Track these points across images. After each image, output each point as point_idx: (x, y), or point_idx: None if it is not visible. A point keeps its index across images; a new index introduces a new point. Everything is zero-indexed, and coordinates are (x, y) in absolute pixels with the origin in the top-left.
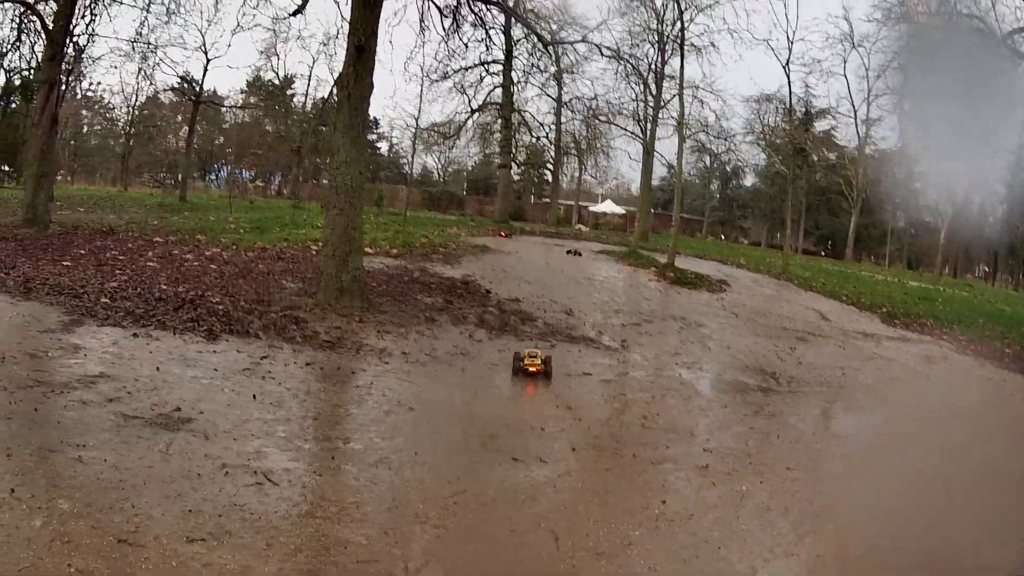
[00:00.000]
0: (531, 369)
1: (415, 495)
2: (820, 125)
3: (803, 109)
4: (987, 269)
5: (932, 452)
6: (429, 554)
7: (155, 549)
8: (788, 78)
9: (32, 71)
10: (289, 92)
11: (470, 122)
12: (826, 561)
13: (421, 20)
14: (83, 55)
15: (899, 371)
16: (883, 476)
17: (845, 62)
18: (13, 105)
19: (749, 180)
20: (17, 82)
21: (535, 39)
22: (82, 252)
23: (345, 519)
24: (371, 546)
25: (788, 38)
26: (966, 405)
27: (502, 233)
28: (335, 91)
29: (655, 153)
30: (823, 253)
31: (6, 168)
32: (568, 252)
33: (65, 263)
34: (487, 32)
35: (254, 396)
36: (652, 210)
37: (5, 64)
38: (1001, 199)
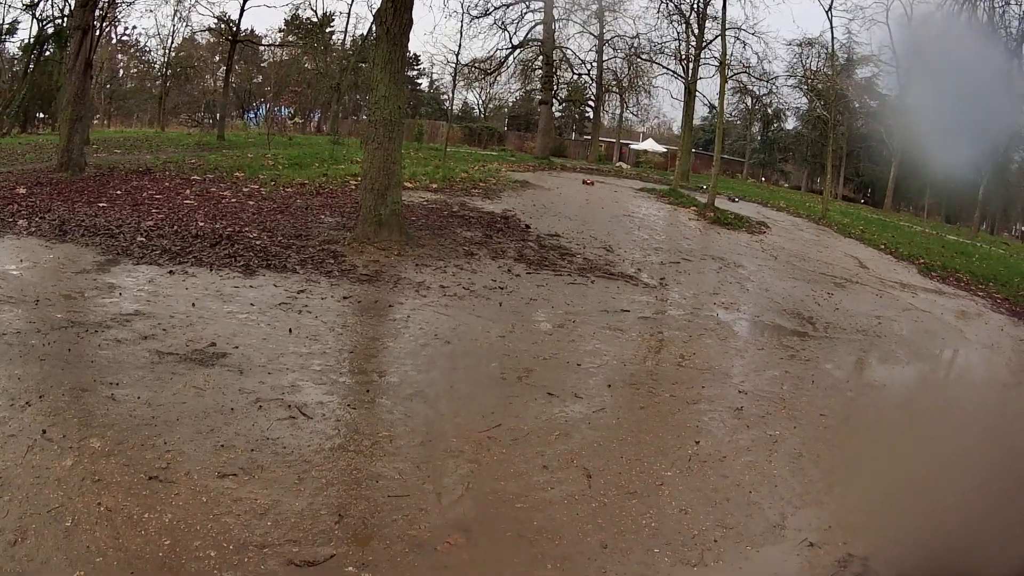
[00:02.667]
0: None
1: (449, 429)
2: (862, 72)
3: (845, 55)
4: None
5: (964, 409)
6: (461, 489)
7: (185, 485)
8: (831, 23)
9: (65, 18)
10: (328, 30)
11: (511, 59)
12: (855, 512)
13: None
14: (117, 0)
15: (934, 324)
16: (915, 429)
17: (888, 10)
18: (47, 53)
19: (790, 123)
20: (50, 30)
21: None
22: (118, 193)
23: (378, 453)
24: (403, 480)
25: None
26: (1000, 364)
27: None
28: (374, 26)
29: (697, 93)
30: (863, 201)
31: (42, 115)
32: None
33: (101, 204)
34: None
35: (290, 330)
36: (693, 150)
37: (37, 13)
38: None
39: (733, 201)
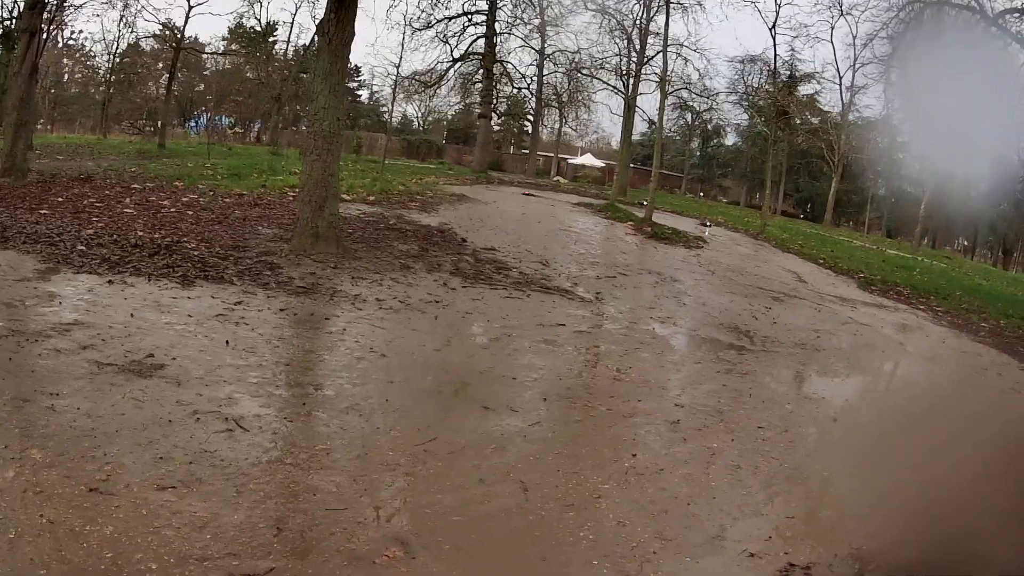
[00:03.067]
0: None
1: (385, 442)
2: (804, 89)
3: (788, 72)
4: (966, 243)
5: (904, 421)
6: (398, 502)
7: (126, 497)
8: (774, 41)
9: (13, 20)
10: (271, 39)
11: (451, 72)
12: (795, 523)
13: None
14: (65, 3)
15: (874, 337)
16: (854, 441)
17: (832, 28)
18: None
19: (730, 139)
20: None
21: None
22: (60, 200)
23: (315, 466)
24: (340, 493)
25: (776, 1)
26: (940, 376)
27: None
28: (316, 38)
29: (636, 108)
30: (802, 216)
31: None
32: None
33: (43, 211)
34: None
35: (227, 342)
36: (631, 165)
37: None
38: (983, 175)
39: (706, 226)
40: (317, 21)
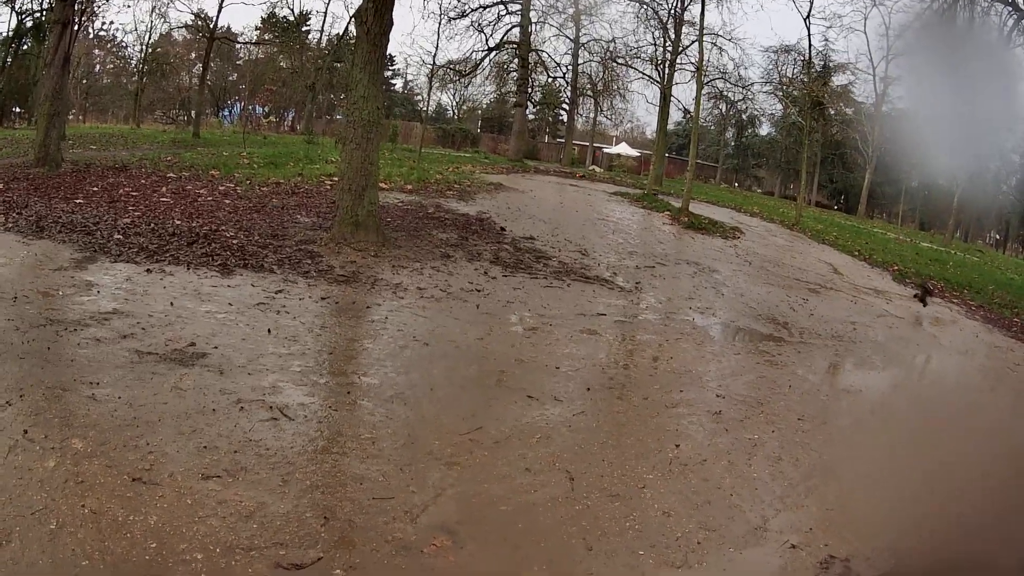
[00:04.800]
0: None
1: (430, 432)
2: (838, 79)
3: (822, 62)
4: (998, 237)
5: (938, 414)
6: (445, 491)
7: (170, 487)
8: (808, 30)
9: (44, 12)
10: (304, 28)
11: (487, 60)
12: (835, 515)
13: None
14: None
15: (909, 330)
16: (891, 433)
17: (866, 19)
18: (25, 47)
19: (765, 129)
20: (29, 24)
21: None
22: (95, 189)
23: (361, 455)
24: (387, 482)
25: None
26: (974, 370)
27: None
28: (353, 26)
29: (672, 98)
30: (836, 207)
31: (18, 109)
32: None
33: (78, 201)
34: None
35: (269, 330)
36: (667, 155)
37: (16, 6)
38: (1016, 168)
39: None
40: (351, 11)
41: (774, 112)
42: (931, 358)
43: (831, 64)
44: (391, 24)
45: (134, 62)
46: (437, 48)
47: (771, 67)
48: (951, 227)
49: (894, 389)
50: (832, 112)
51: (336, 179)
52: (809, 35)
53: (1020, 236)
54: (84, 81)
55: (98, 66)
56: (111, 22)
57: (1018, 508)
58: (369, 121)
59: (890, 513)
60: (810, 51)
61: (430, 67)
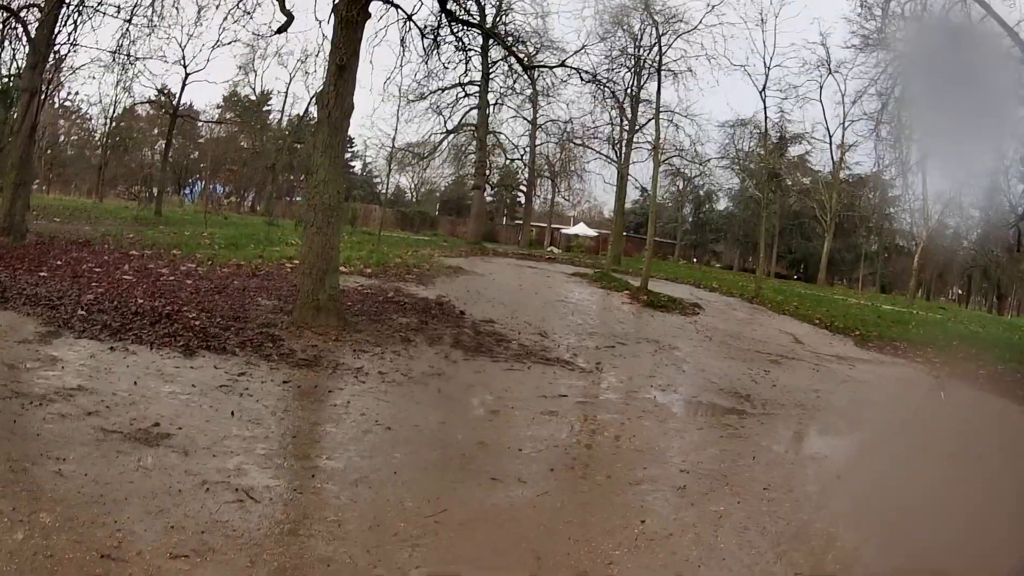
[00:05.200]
0: None
1: (396, 514)
2: (795, 150)
3: (778, 134)
4: (960, 292)
5: (907, 473)
6: (412, 573)
7: (138, 565)
8: (764, 103)
9: (11, 78)
10: (265, 108)
11: (445, 143)
12: None
13: (402, 40)
14: (64, 64)
15: (873, 393)
16: (859, 497)
17: (821, 88)
18: None
19: (722, 204)
20: None
21: (513, 61)
22: (59, 263)
23: (327, 537)
24: (354, 564)
25: (765, 64)
26: (941, 426)
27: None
28: (316, 110)
29: (629, 176)
30: (796, 277)
31: None
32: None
33: (42, 273)
34: (466, 54)
35: (232, 413)
36: (625, 233)
37: None
38: (976, 223)
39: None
40: (311, 91)
41: (731, 186)
42: (897, 420)
43: (787, 135)
44: (352, 108)
45: (98, 135)
46: (396, 130)
47: (728, 141)
48: (912, 287)
49: (860, 454)
50: (789, 182)
51: (297, 262)
52: (765, 108)
53: (983, 290)
54: (49, 151)
55: (63, 137)
56: (76, 92)
57: (992, 567)
58: (330, 205)
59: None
60: (766, 124)
61: (389, 149)
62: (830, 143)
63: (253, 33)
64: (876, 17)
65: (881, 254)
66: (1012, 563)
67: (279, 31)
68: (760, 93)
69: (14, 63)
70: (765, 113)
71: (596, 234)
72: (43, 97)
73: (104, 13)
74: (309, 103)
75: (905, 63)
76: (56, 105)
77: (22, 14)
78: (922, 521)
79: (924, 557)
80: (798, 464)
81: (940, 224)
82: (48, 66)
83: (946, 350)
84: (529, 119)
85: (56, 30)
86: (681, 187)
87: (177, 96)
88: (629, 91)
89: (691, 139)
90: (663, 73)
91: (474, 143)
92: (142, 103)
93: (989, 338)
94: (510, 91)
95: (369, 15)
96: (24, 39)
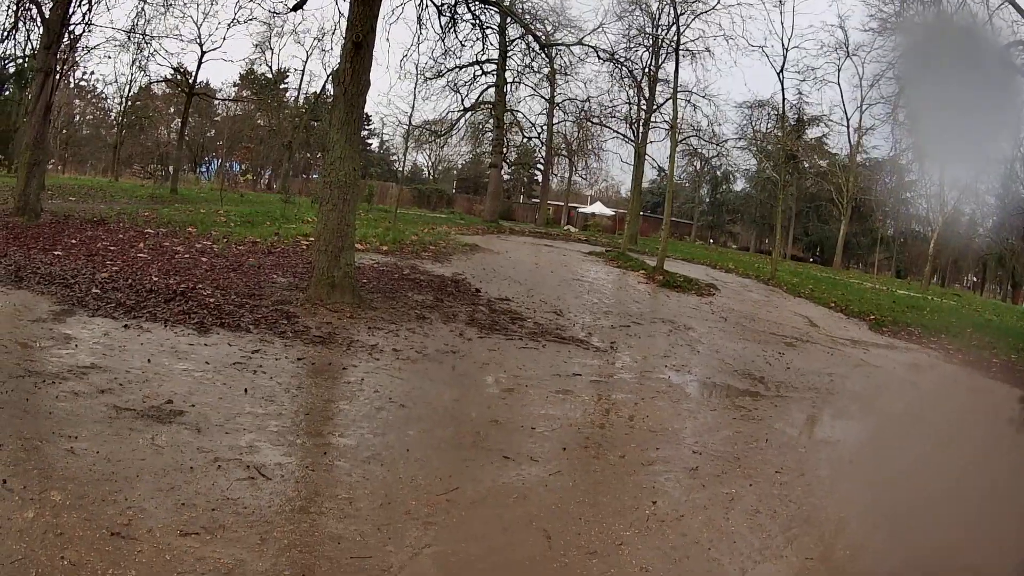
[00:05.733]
0: None
1: (408, 492)
2: (812, 132)
3: (795, 116)
4: (975, 279)
5: (919, 459)
6: (423, 551)
7: (148, 542)
8: (782, 85)
9: (26, 59)
10: (282, 86)
11: (462, 121)
12: (815, 564)
13: (419, 18)
14: (79, 44)
15: (887, 378)
16: (871, 482)
17: (839, 70)
18: (6, 93)
19: (739, 185)
20: (11, 70)
21: (531, 39)
22: (73, 242)
23: (338, 514)
24: (365, 542)
25: (783, 45)
26: (954, 414)
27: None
28: (331, 87)
29: (646, 156)
30: (812, 260)
31: None
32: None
33: (56, 252)
34: (483, 32)
35: (245, 390)
36: (641, 213)
37: None
38: (991, 210)
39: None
40: (328, 69)
41: (748, 167)
42: (910, 405)
43: (805, 117)
44: (368, 85)
45: (113, 114)
46: (413, 108)
47: (745, 122)
48: (927, 273)
49: (873, 438)
50: (806, 165)
51: (312, 239)
52: (783, 89)
53: (998, 277)
54: (64, 131)
55: (78, 116)
56: (91, 72)
57: (1004, 553)
58: (346, 182)
59: (872, 561)
60: (784, 105)
61: (406, 127)
62: (847, 126)
63: (269, 11)
64: (895, 0)
65: (897, 239)
66: (1012, 563)
67: (295, 8)
68: (778, 74)
69: (28, 44)
70: (783, 94)
71: (613, 213)
72: (58, 77)
73: None
74: (326, 81)
75: (922, 45)
76: (71, 85)
77: None
78: (933, 508)
79: (934, 545)
80: (810, 448)
81: (956, 211)
82: (62, 46)
83: (960, 337)
84: (547, 97)
85: (70, 10)
86: (698, 167)
87: (193, 75)
88: (647, 70)
89: (708, 119)
90: (681, 53)
91: (491, 121)
92: (158, 82)
93: (1003, 327)
94: (528, 69)
95: None
96: (38, 20)
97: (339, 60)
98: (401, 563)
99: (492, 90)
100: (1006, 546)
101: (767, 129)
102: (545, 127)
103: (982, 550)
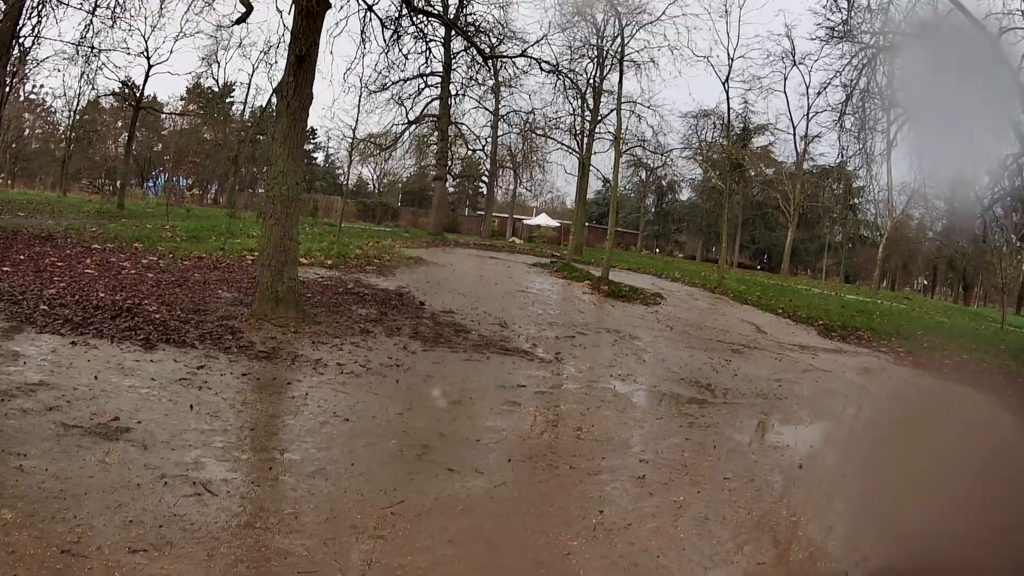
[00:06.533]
0: None
1: (353, 506)
2: (758, 140)
3: (741, 125)
4: (926, 282)
5: (870, 462)
6: (368, 565)
7: (98, 560)
8: (727, 94)
9: None
10: (228, 100)
11: (407, 134)
12: (766, 569)
13: (362, 31)
14: (28, 57)
15: (836, 383)
16: (821, 486)
17: (785, 79)
18: None
19: (685, 194)
20: None
21: (474, 52)
22: (21, 258)
23: (284, 530)
24: (311, 556)
25: (729, 55)
26: (905, 415)
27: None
28: (274, 100)
29: (591, 167)
30: (759, 267)
31: None
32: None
33: (4, 268)
34: (427, 44)
35: (191, 406)
36: (587, 223)
37: None
38: (940, 214)
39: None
40: (274, 83)
41: (694, 177)
42: (861, 408)
43: (751, 126)
44: (311, 99)
45: (62, 128)
46: (357, 122)
47: (690, 132)
48: (876, 277)
49: (823, 442)
50: (752, 173)
51: (256, 254)
52: (728, 99)
53: (948, 280)
54: (13, 145)
55: (27, 130)
56: (41, 86)
57: (955, 550)
58: (288, 196)
59: (824, 563)
60: (729, 114)
61: (351, 140)
62: (794, 134)
63: (215, 24)
64: (842, 9)
65: (845, 244)
66: (1011, 563)
67: (238, 21)
68: (723, 84)
69: None
70: (728, 104)
71: (558, 224)
72: (7, 91)
73: (68, 5)
74: (271, 95)
75: (870, 55)
76: (21, 98)
77: None
78: (885, 510)
79: (885, 545)
80: (759, 453)
81: (905, 215)
82: (12, 59)
83: (911, 340)
84: (491, 110)
85: (20, 23)
86: (644, 177)
87: (140, 88)
88: (591, 81)
89: (653, 129)
90: (625, 64)
91: (436, 134)
92: (106, 95)
93: (955, 328)
94: (472, 82)
95: (329, 5)
96: None
97: (283, 73)
98: None
99: (436, 103)
100: (962, 544)
101: (713, 138)
102: (490, 139)
103: (935, 549)
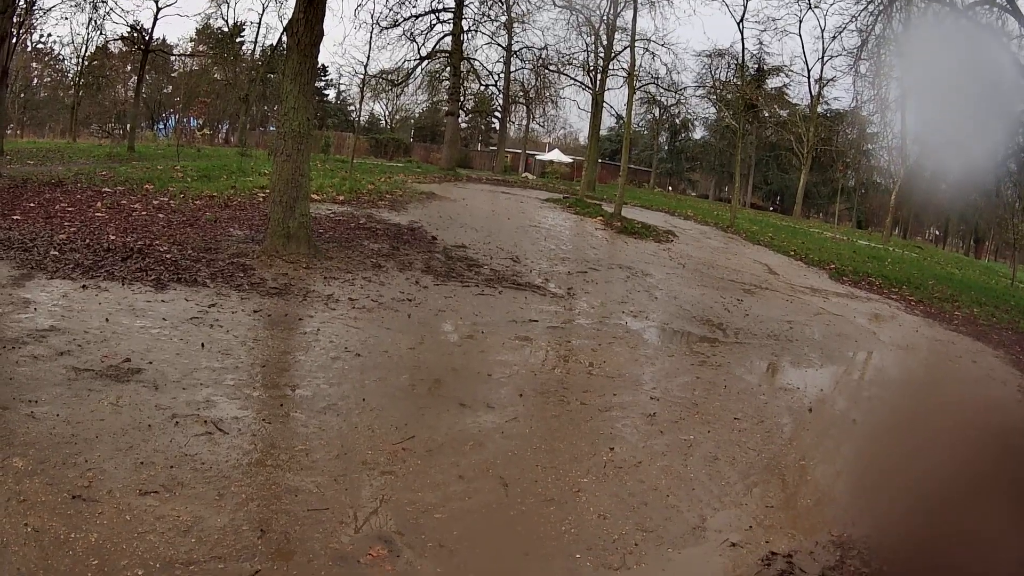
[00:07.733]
0: None
1: (363, 442)
2: (772, 82)
3: (756, 66)
4: (937, 233)
5: (879, 408)
6: (379, 501)
7: (109, 503)
8: (742, 34)
9: None
10: (238, 40)
11: (419, 70)
12: (775, 512)
13: None
14: (34, 6)
15: (847, 327)
16: (830, 430)
17: (800, 22)
18: None
19: (698, 133)
20: None
21: None
22: (32, 205)
23: (295, 467)
24: (321, 493)
25: None
26: (915, 364)
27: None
28: (285, 38)
29: (604, 103)
30: (771, 208)
31: None
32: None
33: (15, 217)
34: None
35: (202, 345)
36: (599, 160)
37: None
38: (953, 167)
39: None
40: (284, 21)
41: (708, 116)
42: (871, 354)
43: (765, 67)
44: (321, 35)
45: (71, 75)
46: (369, 58)
47: (704, 71)
48: (888, 224)
49: (834, 386)
50: (766, 114)
51: (268, 191)
52: (743, 39)
53: (960, 232)
54: (22, 95)
55: (35, 80)
56: (48, 35)
57: (959, 498)
58: (299, 133)
59: (831, 508)
60: (743, 55)
61: (362, 77)
62: (808, 77)
63: None
64: None
65: (858, 190)
66: (1012, 561)
67: None
68: (738, 24)
69: None
70: (743, 44)
71: (571, 160)
72: (14, 41)
73: None
74: (282, 33)
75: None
76: (29, 48)
77: None
78: (893, 455)
79: (893, 493)
80: (770, 395)
81: (918, 165)
82: (19, 10)
83: (921, 289)
84: (504, 45)
85: None
86: (657, 115)
87: (149, 31)
88: (604, 18)
89: (667, 67)
90: (639, 1)
91: (448, 69)
92: (114, 40)
93: (965, 280)
94: (484, 17)
95: None
96: None
97: (293, 10)
98: (358, 514)
99: (449, 39)
100: (970, 488)
101: (726, 78)
102: (502, 75)
103: (944, 493)
